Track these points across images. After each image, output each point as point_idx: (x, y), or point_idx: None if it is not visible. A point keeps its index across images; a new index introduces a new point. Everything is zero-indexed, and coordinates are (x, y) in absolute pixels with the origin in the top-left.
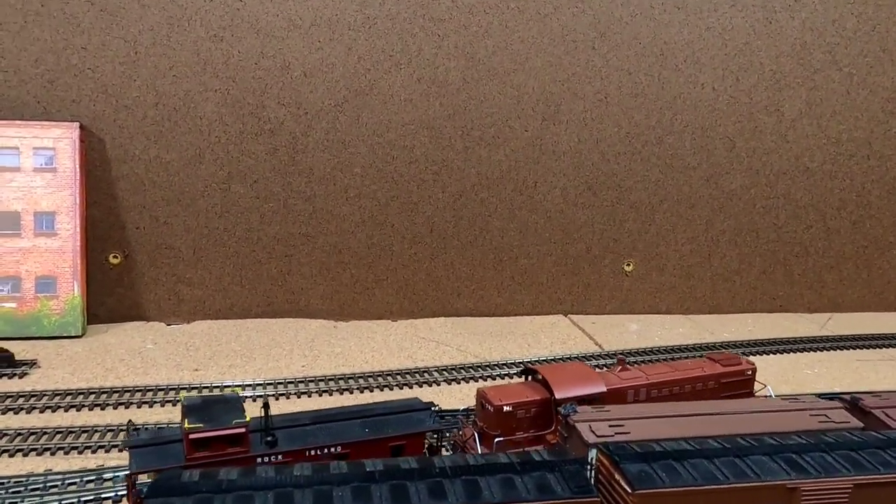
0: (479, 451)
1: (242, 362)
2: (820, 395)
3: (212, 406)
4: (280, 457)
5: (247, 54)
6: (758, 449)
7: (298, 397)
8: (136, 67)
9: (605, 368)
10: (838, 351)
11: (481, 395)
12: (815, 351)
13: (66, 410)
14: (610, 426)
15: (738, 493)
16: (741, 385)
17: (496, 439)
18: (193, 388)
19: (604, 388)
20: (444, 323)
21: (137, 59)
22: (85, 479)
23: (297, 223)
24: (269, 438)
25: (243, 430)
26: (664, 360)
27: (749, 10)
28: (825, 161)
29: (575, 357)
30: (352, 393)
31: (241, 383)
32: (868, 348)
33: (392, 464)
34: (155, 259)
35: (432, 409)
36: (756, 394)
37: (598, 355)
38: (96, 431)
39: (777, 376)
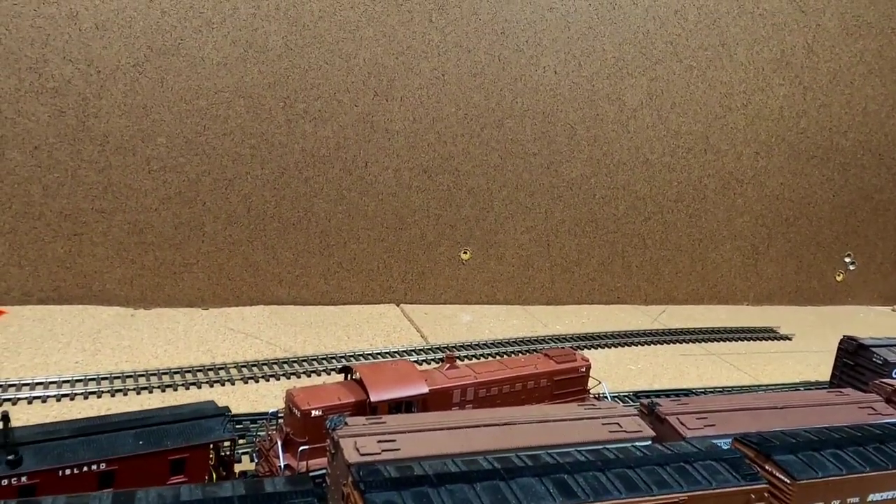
0: (282, 461)
1: (2, 358)
2: (636, 394)
3: None
4: (25, 478)
5: None
6: (528, 470)
7: (58, 401)
8: None
9: (432, 365)
10: (665, 345)
11: (289, 398)
12: (643, 345)
13: None
14: (379, 441)
15: None
16: (575, 382)
17: (301, 448)
18: None
19: (426, 390)
20: (261, 312)
21: None
22: None
23: (89, 197)
24: (10, 457)
25: None
26: (492, 353)
27: None
28: (664, 153)
29: (396, 352)
30: (125, 395)
31: None
32: (694, 342)
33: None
34: None
35: (226, 414)
36: (591, 390)
37: (423, 349)
38: None
39: (602, 372)
